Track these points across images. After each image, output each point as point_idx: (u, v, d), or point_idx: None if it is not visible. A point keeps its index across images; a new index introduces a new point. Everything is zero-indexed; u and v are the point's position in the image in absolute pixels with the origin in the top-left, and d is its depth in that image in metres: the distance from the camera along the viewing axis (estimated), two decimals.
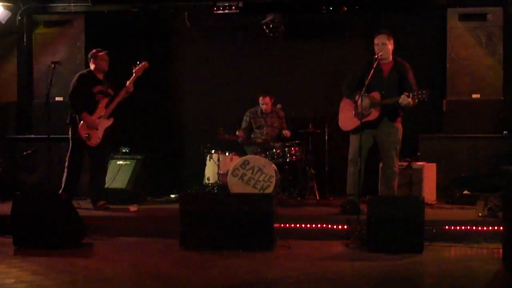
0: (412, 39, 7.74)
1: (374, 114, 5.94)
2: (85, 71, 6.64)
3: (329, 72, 8.13)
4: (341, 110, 6.33)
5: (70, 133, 6.53)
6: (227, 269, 4.55)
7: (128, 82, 6.57)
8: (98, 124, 6.43)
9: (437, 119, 7.75)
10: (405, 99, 5.69)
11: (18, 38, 8.18)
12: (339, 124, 6.32)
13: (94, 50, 6.62)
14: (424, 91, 5.66)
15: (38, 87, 7.97)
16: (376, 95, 5.93)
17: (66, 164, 6.52)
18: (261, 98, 7.58)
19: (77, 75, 6.57)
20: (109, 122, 6.52)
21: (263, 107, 7.59)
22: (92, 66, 6.58)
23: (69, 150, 6.54)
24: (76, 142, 6.46)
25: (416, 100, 5.70)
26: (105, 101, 6.52)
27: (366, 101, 5.85)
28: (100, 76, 6.58)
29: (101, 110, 6.49)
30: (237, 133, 7.44)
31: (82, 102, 6.42)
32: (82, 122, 6.39)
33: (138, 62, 6.57)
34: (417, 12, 7.93)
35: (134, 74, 6.56)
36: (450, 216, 6.03)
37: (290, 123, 7.73)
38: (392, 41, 6.02)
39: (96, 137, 6.43)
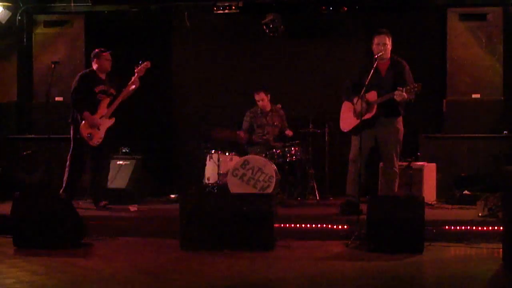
0: (412, 39, 7.74)
1: (370, 113, 5.94)
2: (87, 70, 6.62)
3: (329, 72, 8.13)
4: (342, 113, 6.34)
5: (71, 132, 6.51)
6: (227, 269, 4.54)
7: (130, 82, 6.53)
8: (100, 124, 6.42)
9: (437, 119, 7.76)
10: (399, 94, 5.69)
11: (18, 38, 8.18)
12: (340, 126, 6.33)
13: (97, 50, 6.60)
14: (416, 85, 5.67)
15: (38, 87, 7.97)
16: (373, 93, 5.93)
17: (68, 163, 6.49)
18: (255, 94, 7.52)
19: (78, 75, 6.55)
20: (111, 122, 6.50)
21: (259, 103, 7.56)
22: (94, 66, 6.56)
23: (71, 150, 6.51)
24: (78, 142, 6.45)
25: (410, 94, 5.70)
26: (106, 100, 6.50)
27: (364, 103, 5.85)
28: (103, 76, 6.56)
29: (102, 109, 6.47)
30: (240, 133, 7.42)
31: (83, 101, 6.40)
32: (84, 121, 6.38)
33: (140, 62, 6.56)
34: (417, 12, 7.94)
35: (136, 74, 6.54)
36: (450, 216, 6.02)
37: (290, 123, 7.72)
38: (391, 40, 6.03)
39: (98, 137, 6.41)
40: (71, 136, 6.50)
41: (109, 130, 6.50)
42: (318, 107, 7.88)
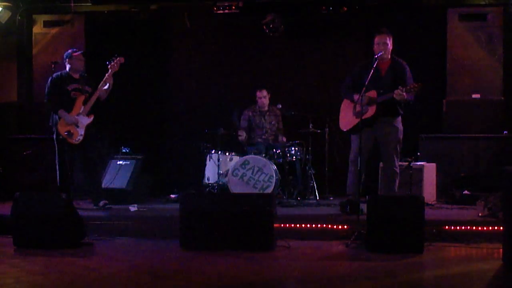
0: (412, 39, 7.74)
1: (370, 112, 5.93)
2: (58, 73, 6.58)
3: (329, 72, 8.14)
4: (341, 111, 6.33)
5: (54, 134, 6.51)
6: (227, 269, 4.54)
7: (103, 79, 6.44)
8: (77, 121, 6.40)
9: (437, 119, 7.75)
10: (399, 94, 5.69)
11: (18, 38, 8.18)
12: (340, 125, 6.33)
13: (69, 50, 6.62)
14: (416, 84, 5.67)
15: (38, 87, 7.97)
16: (372, 93, 5.93)
17: (57, 167, 6.48)
18: (258, 91, 7.59)
19: (51, 77, 6.55)
20: (90, 119, 6.45)
21: (261, 100, 7.58)
22: (67, 67, 6.56)
23: (56, 152, 6.50)
24: (60, 143, 6.44)
25: (410, 94, 5.69)
26: (82, 98, 6.47)
27: (364, 100, 5.85)
28: (76, 75, 6.56)
29: (78, 107, 6.44)
30: (239, 134, 7.42)
31: (57, 101, 6.41)
32: (60, 120, 6.39)
33: (113, 58, 6.49)
34: (417, 12, 7.94)
35: (110, 70, 6.46)
36: (450, 216, 6.02)
37: (290, 123, 7.73)
38: (391, 40, 6.02)
39: (78, 134, 6.38)
40: (54, 138, 6.49)
41: (90, 127, 6.45)
42: (318, 107, 7.88)
